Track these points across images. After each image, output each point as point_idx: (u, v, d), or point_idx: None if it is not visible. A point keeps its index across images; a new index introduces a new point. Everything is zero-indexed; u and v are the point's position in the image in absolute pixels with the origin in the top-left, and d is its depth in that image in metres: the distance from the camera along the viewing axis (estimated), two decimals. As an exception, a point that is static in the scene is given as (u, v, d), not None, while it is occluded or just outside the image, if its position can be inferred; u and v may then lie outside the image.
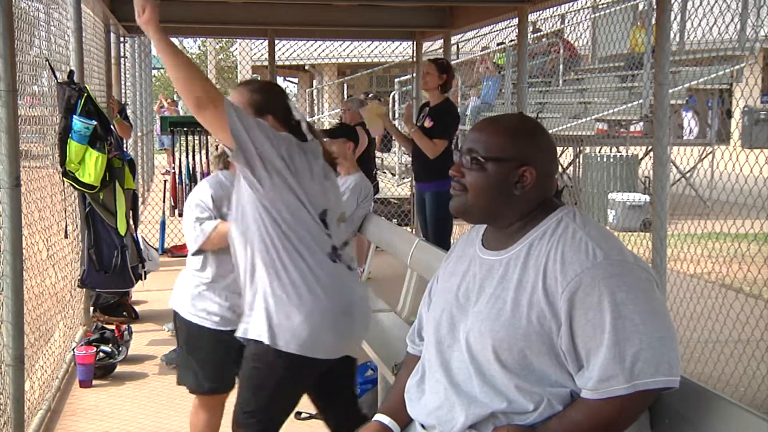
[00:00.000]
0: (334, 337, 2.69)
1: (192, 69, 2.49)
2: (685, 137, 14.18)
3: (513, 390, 1.81)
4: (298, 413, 4.16)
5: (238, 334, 2.76)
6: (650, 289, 1.76)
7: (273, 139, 2.55)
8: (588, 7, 13.10)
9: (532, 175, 1.86)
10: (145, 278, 5.28)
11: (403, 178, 11.05)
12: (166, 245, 8.67)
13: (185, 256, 3.26)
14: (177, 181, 8.31)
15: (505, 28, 13.13)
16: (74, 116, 4.50)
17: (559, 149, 11.59)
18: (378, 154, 10.73)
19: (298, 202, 2.62)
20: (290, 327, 2.62)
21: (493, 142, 1.88)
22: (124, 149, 5.18)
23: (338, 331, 2.70)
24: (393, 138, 7.30)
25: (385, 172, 12.06)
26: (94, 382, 4.60)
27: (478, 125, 1.96)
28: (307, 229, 2.64)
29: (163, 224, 8.76)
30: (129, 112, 9.02)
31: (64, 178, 4.65)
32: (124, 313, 5.89)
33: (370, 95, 14.83)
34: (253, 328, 2.69)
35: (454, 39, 10.16)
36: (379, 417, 2.07)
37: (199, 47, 30.09)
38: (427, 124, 5.86)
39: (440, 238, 5.85)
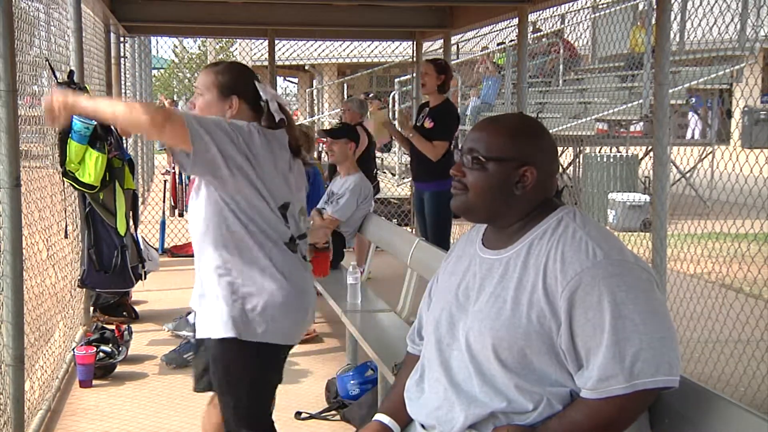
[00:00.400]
0: (292, 323, 2.71)
1: (125, 105, 2.55)
2: (690, 137, 14.17)
3: (513, 389, 1.81)
4: (298, 413, 4.16)
5: (200, 335, 2.74)
6: (650, 289, 1.76)
7: (235, 138, 2.53)
8: (588, 7, 13.10)
9: (533, 174, 1.87)
10: (145, 278, 5.28)
11: (403, 178, 11.04)
12: (166, 245, 8.65)
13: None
14: (177, 181, 8.31)
15: (505, 28, 13.13)
16: (74, 116, 4.50)
17: (559, 149, 11.58)
18: (378, 154, 10.73)
19: (259, 195, 2.61)
20: (252, 316, 2.62)
21: (494, 142, 1.89)
22: (125, 148, 5.17)
23: (296, 317, 2.72)
24: (393, 138, 7.31)
25: (385, 172, 12.06)
26: (94, 382, 4.59)
27: (479, 125, 1.96)
28: (265, 219, 2.63)
29: (163, 224, 8.75)
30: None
31: (64, 178, 4.65)
32: (124, 313, 5.88)
33: (370, 95, 14.82)
34: (214, 326, 2.66)
35: (454, 39, 10.16)
36: (380, 417, 2.08)
37: (199, 47, 30.08)
38: (428, 124, 5.85)
39: (440, 238, 5.84)
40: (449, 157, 5.74)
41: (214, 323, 2.66)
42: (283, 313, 2.66)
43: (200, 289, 2.73)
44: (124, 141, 5.94)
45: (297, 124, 3.20)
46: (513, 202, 1.89)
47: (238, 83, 2.70)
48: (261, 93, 2.69)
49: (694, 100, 13.31)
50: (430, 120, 5.84)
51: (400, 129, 6.01)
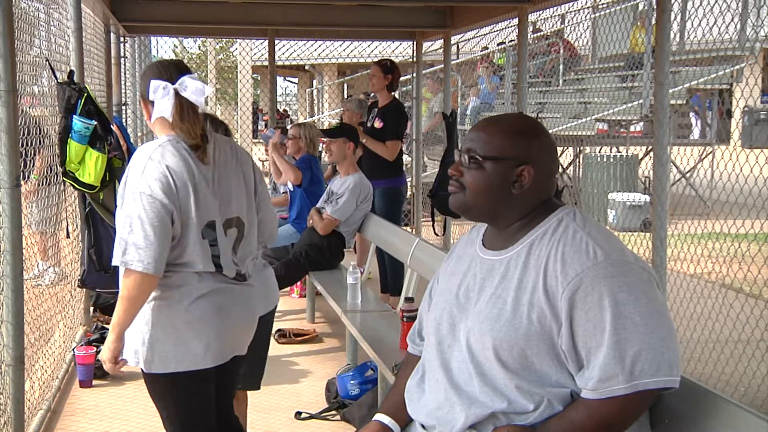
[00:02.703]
0: (203, 344, 2.58)
1: (127, 306, 2.49)
2: (692, 137, 14.16)
3: (513, 390, 1.81)
4: (298, 413, 4.16)
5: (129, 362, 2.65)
6: (651, 289, 1.76)
7: (162, 224, 2.43)
8: (588, 7, 13.09)
9: (531, 174, 1.87)
10: (145, 278, 5.26)
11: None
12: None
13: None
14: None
15: (505, 28, 13.12)
16: (74, 116, 4.49)
17: (559, 149, 11.59)
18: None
19: (181, 230, 2.52)
20: (159, 347, 2.55)
21: (491, 142, 1.89)
22: (135, 149, 5.17)
23: (206, 337, 2.58)
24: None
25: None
26: (94, 382, 4.59)
27: (477, 125, 1.97)
28: (183, 247, 2.53)
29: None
30: (129, 111, 9.01)
31: (64, 178, 4.65)
32: (124, 313, 5.87)
33: (371, 95, 14.80)
34: (129, 354, 2.60)
35: (454, 39, 10.15)
36: (380, 417, 2.08)
37: (199, 47, 30.07)
38: (377, 125, 6.07)
39: None
40: (400, 155, 6.11)
41: (131, 354, 2.65)
42: (190, 337, 2.61)
43: None
44: (133, 141, 5.92)
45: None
46: (511, 202, 1.89)
47: (142, 87, 2.61)
48: (150, 92, 2.55)
49: (694, 100, 13.30)
50: (379, 120, 6.07)
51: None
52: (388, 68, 6.05)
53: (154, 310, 2.54)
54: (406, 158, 7.91)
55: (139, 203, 2.44)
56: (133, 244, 2.43)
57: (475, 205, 1.92)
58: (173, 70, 2.59)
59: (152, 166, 2.47)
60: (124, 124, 7.54)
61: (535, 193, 1.89)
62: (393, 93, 6.14)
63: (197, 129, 2.57)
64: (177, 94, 2.54)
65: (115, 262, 2.47)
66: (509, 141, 1.89)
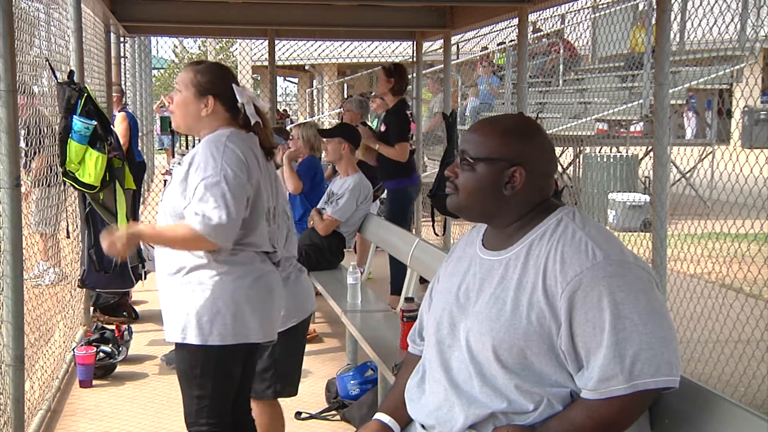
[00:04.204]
0: (257, 320, 2.74)
1: (173, 232, 2.67)
2: (687, 137, 14.17)
3: (513, 390, 1.81)
4: (298, 413, 4.16)
5: (167, 338, 2.79)
6: (650, 289, 1.76)
7: (242, 189, 2.63)
8: (588, 7, 13.09)
9: (522, 175, 1.86)
10: (145, 278, 5.27)
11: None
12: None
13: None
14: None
15: (505, 28, 13.12)
16: (74, 116, 4.50)
17: (559, 149, 11.61)
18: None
19: (251, 211, 2.71)
20: (219, 320, 2.67)
21: (483, 143, 1.90)
22: (139, 150, 5.18)
23: (260, 313, 2.75)
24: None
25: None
26: (94, 382, 4.59)
27: (472, 126, 1.99)
28: (252, 228, 2.72)
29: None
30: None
31: (64, 178, 4.65)
32: (124, 313, 5.88)
33: (371, 95, 14.79)
34: (175, 329, 2.73)
35: (454, 39, 10.15)
36: (380, 416, 2.08)
37: (199, 47, 30.09)
38: (383, 128, 6.21)
39: None
40: (411, 155, 6.25)
41: (178, 325, 2.76)
42: (247, 312, 2.75)
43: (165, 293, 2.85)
44: (138, 142, 5.92)
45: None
46: (504, 203, 1.89)
47: (215, 84, 2.76)
48: (238, 96, 2.76)
49: (694, 100, 13.30)
50: (384, 124, 6.23)
51: (369, 144, 6.27)
52: (390, 71, 6.15)
53: (217, 284, 2.67)
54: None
55: (222, 183, 2.58)
56: (217, 220, 2.56)
57: (468, 206, 1.93)
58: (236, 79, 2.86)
59: (229, 151, 2.65)
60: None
61: (530, 193, 1.89)
62: (399, 96, 6.21)
63: (272, 134, 2.91)
64: (250, 101, 2.79)
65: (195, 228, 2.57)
66: (500, 142, 1.89)
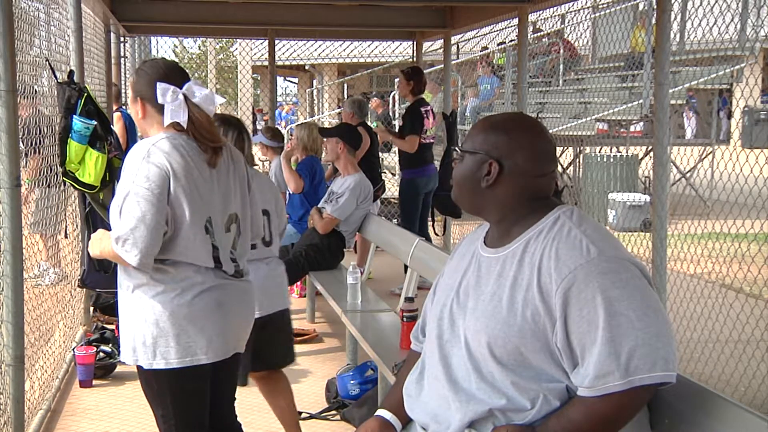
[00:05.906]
0: (205, 339, 2.57)
1: (108, 246, 2.52)
2: (687, 137, 14.17)
3: (510, 386, 1.81)
4: (299, 413, 4.15)
5: (121, 359, 2.70)
6: (645, 286, 1.76)
7: (160, 209, 2.44)
8: (588, 7, 13.09)
9: (496, 169, 1.88)
10: (145, 278, 5.26)
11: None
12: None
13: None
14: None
15: (505, 28, 13.12)
16: (74, 116, 4.49)
17: (559, 149, 11.60)
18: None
19: (176, 225, 2.52)
20: (161, 343, 2.54)
21: (471, 136, 1.95)
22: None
23: (208, 331, 2.58)
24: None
25: (384, 172, 12.04)
26: (94, 382, 4.59)
27: (475, 124, 2.01)
28: (181, 242, 2.51)
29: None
30: (129, 111, 9.01)
31: (64, 178, 4.65)
32: (124, 313, 5.87)
33: (371, 95, 14.82)
34: (127, 351, 2.63)
35: (454, 39, 10.15)
36: (381, 412, 2.08)
37: (199, 47, 30.05)
38: (399, 124, 6.95)
39: (405, 220, 6.76)
40: (420, 148, 6.65)
41: (128, 349, 2.70)
42: (197, 330, 2.61)
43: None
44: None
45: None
46: (482, 196, 1.92)
47: (141, 85, 2.58)
48: (159, 96, 2.52)
49: (694, 100, 13.31)
50: (401, 120, 6.94)
51: (383, 138, 7.44)
52: (409, 74, 6.65)
53: (155, 305, 2.52)
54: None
55: (133, 197, 2.43)
56: (129, 237, 2.42)
57: (458, 197, 1.99)
58: (179, 75, 2.59)
59: (149, 161, 2.45)
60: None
61: (510, 189, 1.89)
62: (418, 96, 6.66)
63: (213, 136, 2.59)
64: (186, 99, 2.54)
65: (114, 248, 2.47)
66: (484, 136, 1.93)
